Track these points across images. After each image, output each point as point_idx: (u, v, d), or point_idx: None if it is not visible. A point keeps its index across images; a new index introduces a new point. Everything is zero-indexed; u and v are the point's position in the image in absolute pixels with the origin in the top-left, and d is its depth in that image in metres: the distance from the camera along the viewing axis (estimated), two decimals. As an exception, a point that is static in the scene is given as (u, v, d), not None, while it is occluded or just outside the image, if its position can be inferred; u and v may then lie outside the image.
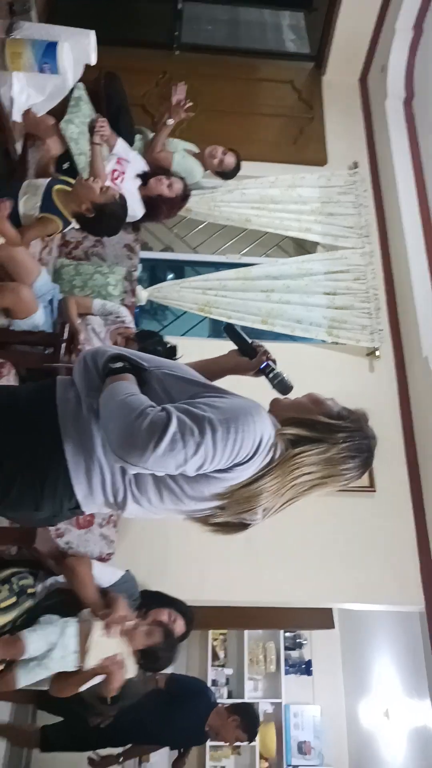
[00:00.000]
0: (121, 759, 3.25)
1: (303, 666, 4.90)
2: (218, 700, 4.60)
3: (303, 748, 4.75)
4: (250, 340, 1.55)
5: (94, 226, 2.70)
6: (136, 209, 3.34)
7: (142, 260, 3.68)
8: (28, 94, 2.72)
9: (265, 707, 4.78)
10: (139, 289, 3.49)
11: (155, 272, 4.48)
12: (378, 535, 3.21)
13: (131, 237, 3.52)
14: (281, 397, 1.42)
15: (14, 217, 2.59)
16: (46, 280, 2.82)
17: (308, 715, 4.80)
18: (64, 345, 2.62)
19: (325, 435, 1.26)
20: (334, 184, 4.03)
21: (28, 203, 2.62)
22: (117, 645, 2.27)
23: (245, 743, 3.44)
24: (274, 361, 1.51)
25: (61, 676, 2.29)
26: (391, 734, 4.01)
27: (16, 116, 2.69)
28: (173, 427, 1.11)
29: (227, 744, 3.46)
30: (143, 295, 3.56)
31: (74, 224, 2.67)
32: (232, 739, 3.17)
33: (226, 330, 1.58)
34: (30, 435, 1.29)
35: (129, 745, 3.24)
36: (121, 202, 2.68)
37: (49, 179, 2.72)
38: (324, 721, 4.78)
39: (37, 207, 2.60)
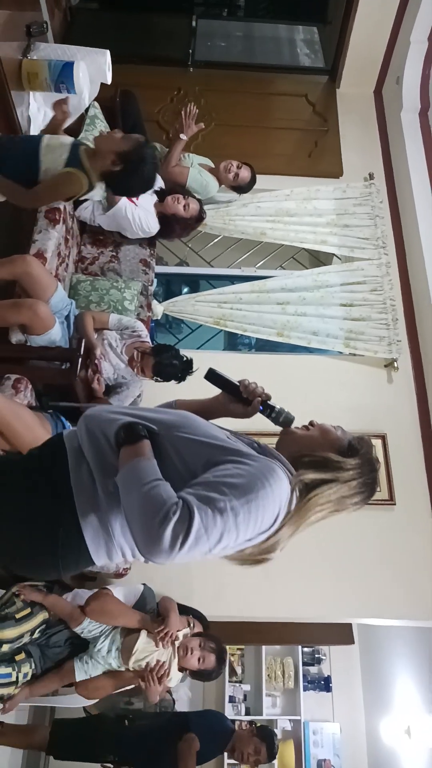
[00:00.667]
0: None
1: (322, 682, 4.83)
2: (235, 717, 4.57)
3: (323, 766, 4.67)
4: (236, 382, 1.46)
5: (125, 179, 2.40)
6: (151, 225, 3.36)
7: (158, 275, 3.70)
8: (45, 113, 2.76)
9: (283, 724, 4.71)
10: (154, 303, 3.50)
11: (170, 286, 4.51)
12: (397, 549, 3.16)
13: (146, 252, 3.55)
14: (291, 428, 1.41)
15: (28, 177, 2.37)
16: (63, 295, 2.85)
17: (328, 733, 4.73)
18: (80, 360, 2.64)
19: (337, 474, 1.28)
20: (350, 195, 4.03)
21: (50, 156, 2.38)
22: (162, 653, 2.36)
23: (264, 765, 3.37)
24: (268, 397, 1.46)
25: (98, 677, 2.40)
26: (413, 752, 3.93)
27: (34, 133, 2.73)
28: (196, 524, 1.10)
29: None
30: (159, 309, 3.57)
31: (98, 191, 2.44)
32: (253, 761, 3.16)
33: (208, 376, 1.49)
34: (51, 524, 1.29)
35: None
36: (147, 146, 2.44)
37: (73, 138, 2.50)
38: (344, 738, 4.70)
39: (63, 160, 2.37)
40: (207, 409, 1.51)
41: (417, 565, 3.16)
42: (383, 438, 3.43)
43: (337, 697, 4.86)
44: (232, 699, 4.66)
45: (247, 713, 4.65)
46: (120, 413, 1.33)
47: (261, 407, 1.45)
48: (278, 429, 1.44)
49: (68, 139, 2.48)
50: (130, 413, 1.34)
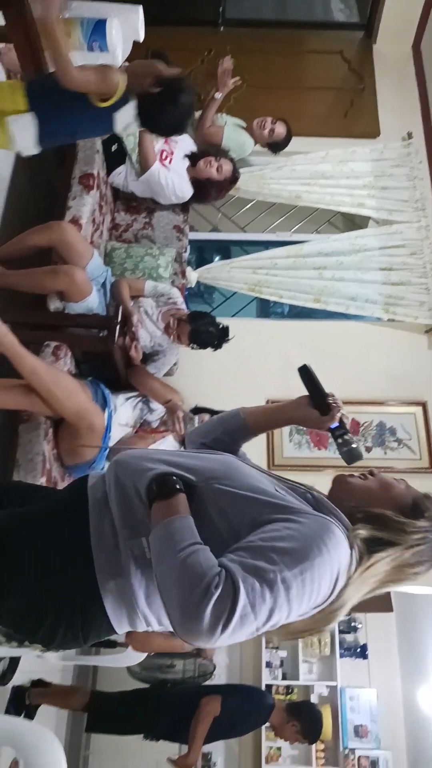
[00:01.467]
0: None
1: (358, 649, 4.85)
2: (272, 681, 4.63)
3: (359, 732, 4.71)
4: (326, 392, 1.35)
5: (159, 107, 2.15)
6: (185, 190, 3.31)
7: (191, 241, 3.65)
8: (78, 74, 2.69)
9: (320, 690, 4.76)
10: (188, 270, 3.46)
11: (202, 254, 4.45)
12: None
13: (180, 218, 3.49)
14: (346, 474, 1.24)
15: None
16: (99, 262, 2.83)
17: (364, 699, 4.75)
18: (118, 327, 2.63)
19: (398, 537, 1.11)
20: (387, 156, 3.90)
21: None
22: None
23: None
24: (347, 424, 1.33)
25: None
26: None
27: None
28: (242, 601, 0.93)
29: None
30: (193, 276, 3.53)
31: (129, 111, 2.16)
32: (292, 740, 3.17)
33: (301, 372, 1.38)
34: (67, 590, 1.14)
35: None
36: (190, 85, 2.23)
37: None
38: (380, 705, 4.72)
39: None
40: (275, 415, 1.42)
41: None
42: (423, 405, 3.37)
43: (373, 665, 4.87)
44: (268, 664, 4.72)
45: (284, 678, 4.71)
46: (155, 460, 1.18)
47: (337, 423, 1.31)
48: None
49: None
50: (166, 460, 1.18)
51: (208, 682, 4.08)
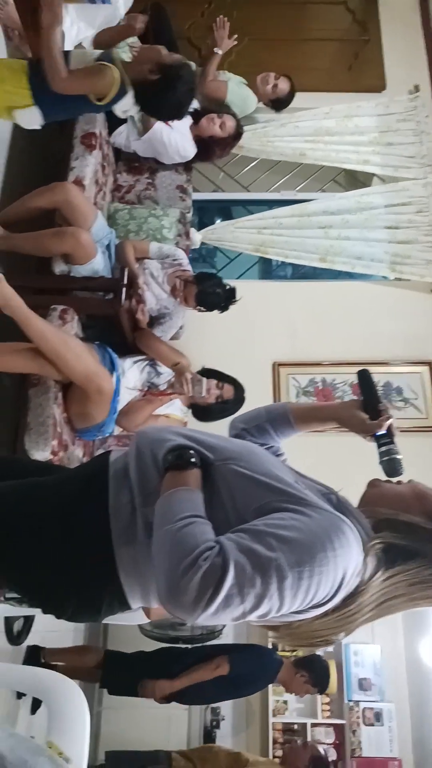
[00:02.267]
0: None
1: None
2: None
3: (363, 685, 4.83)
4: (381, 399, 1.34)
5: (158, 94, 2.16)
6: (188, 149, 3.23)
7: (194, 202, 3.58)
8: (79, 27, 2.61)
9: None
10: (192, 231, 3.41)
11: (203, 215, 4.38)
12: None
13: (183, 178, 3.43)
14: (381, 480, 1.20)
15: None
16: (103, 224, 2.78)
17: (368, 654, 4.86)
18: (124, 290, 2.60)
19: (424, 546, 1.04)
20: (393, 111, 3.81)
21: (83, 57, 2.18)
22: None
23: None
24: (394, 435, 1.29)
25: None
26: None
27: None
28: (229, 580, 0.89)
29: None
30: (197, 237, 3.48)
31: (128, 100, 2.18)
32: (302, 693, 3.25)
33: (360, 376, 1.37)
34: (82, 560, 1.12)
35: None
36: (189, 70, 2.24)
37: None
38: (384, 659, 4.84)
39: (93, 58, 2.17)
40: (321, 411, 1.40)
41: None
42: (430, 365, 3.38)
43: (377, 621, 4.97)
44: (275, 622, 4.82)
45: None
46: (176, 434, 1.16)
47: (384, 431, 1.27)
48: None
49: (98, 51, 2.27)
50: (187, 435, 1.16)
51: (216, 641, 4.19)
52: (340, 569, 0.95)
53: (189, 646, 3.30)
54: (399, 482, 1.18)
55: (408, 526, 1.06)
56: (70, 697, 1.53)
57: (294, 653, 4.69)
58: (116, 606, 1.16)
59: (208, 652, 3.19)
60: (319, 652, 4.67)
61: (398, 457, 1.26)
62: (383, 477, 1.24)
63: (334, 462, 2.51)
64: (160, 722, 3.82)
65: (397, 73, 3.97)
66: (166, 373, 2.80)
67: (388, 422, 1.28)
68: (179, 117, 2.41)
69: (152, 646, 3.36)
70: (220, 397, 2.67)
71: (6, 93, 2.16)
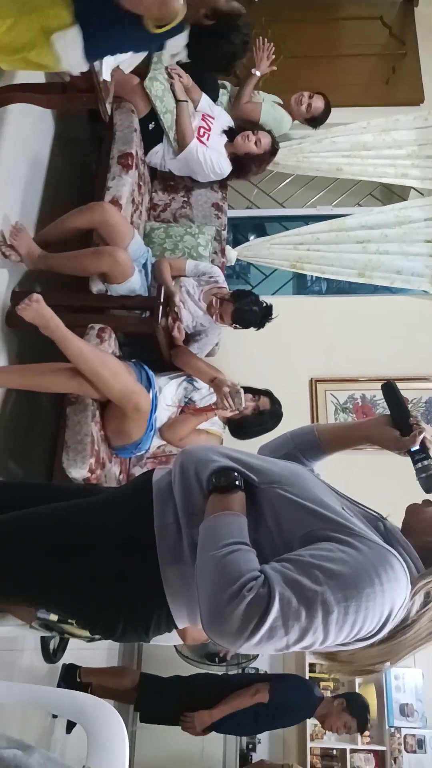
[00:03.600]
0: None
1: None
2: (316, 661, 4.63)
3: (405, 711, 4.68)
4: (410, 412, 1.28)
5: (210, 41, 1.98)
6: (223, 166, 3.25)
7: (230, 219, 3.59)
8: (116, 51, 2.65)
9: (365, 669, 4.74)
10: (228, 248, 3.41)
11: (237, 233, 4.38)
12: None
13: (218, 195, 3.44)
14: (421, 503, 1.15)
15: None
16: (140, 243, 2.80)
17: (410, 679, 4.71)
18: (161, 308, 2.60)
19: None
20: (432, 123, 3.76)
21: None
22: None
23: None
24: (430, 449, 1.24)
25: None
26: None
27: (106, 75, 2.64)
28: (274, 612, 0.88)
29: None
30: (233, 254, 3.48)
31: (181, 40, 1.96)
32: (341, 731, 3.17)
33: (384, 390, 1.33)
34: (130, 580, 1.11)
35: None
36: (248, 23, 2.07)
37: None
38: (426, 685, 4.69)
39: None
40: (351, 432, 1.37)
41: None
42: (473, 381, 3.28)
43: (418, 645, 4.83)
44: (312, 644, 4.72)
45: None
46: (221, 455, 1.15)
47: (418, 447, 1.22)
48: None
49: None
50: (232, 457, 1.15)
51: (253, 665, 4.12)
52: (387, 604, 0.93)
53: (224, 666, 3.24)
54: None
55: None
56: (110, 722, 1.51)
57: (335, 690, 4.60)
58: (164, 626, 1.16)
59: (248, 679, 3.13)
60: (358, 679, 4.57)
61: None
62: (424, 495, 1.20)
63: (381, 480, 2.44)
64: (195, 744, 3.76)
65: (436, 86, 3.92)
66: (204, 389, 2.79)
67: (421, 436, 1.23)
68: (228, 71, 2.22)
69: (186, 668, 3.32)
70: (256, 408, 2.64)
71: (37, 9, 1.71)
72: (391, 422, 1.27)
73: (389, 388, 1.32)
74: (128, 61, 2.74)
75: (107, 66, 2.60)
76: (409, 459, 1.24)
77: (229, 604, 0.88)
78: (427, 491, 1.21)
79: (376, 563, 0.94)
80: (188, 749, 3.70)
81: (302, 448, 1.36)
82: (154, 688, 3.11)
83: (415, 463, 1.23)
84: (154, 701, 3.08)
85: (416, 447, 1.23)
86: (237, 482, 1.07)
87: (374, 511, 1.15)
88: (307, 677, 4.40)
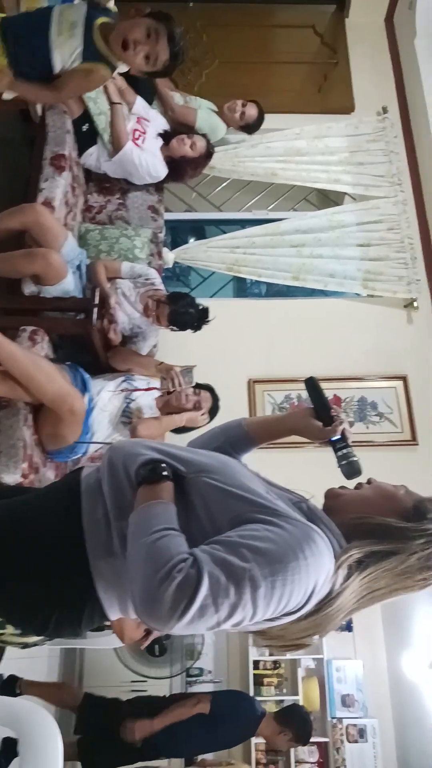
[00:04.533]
0: None
1: (343, 623, 4.93)
2: (259, 657, 4.70)
3: (346, 701, 4.80)
4: (330, 404, 1.34)
5: None
6: (159, 170, 3.26)
7: (166, 222, 3.61)
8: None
9: (307, 663, 4.83)
10: (165, 251, 3.43)
11: (176, 236, 4.41)
12: (421, 488, 3.15)
13: (154, 198, 3.45)
14: (337, 488, 1.21)
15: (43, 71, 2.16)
16: (74, 245, 2.78)
17: (350, 670, 4.83)
18: (95, 310, 2.59)
19: (399, 544, 1.06)
20: (363, 131, 3.89)
21: (66, 48, 2.17)
22: None
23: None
24: (349, 438, 1.30)
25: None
26: (436, 685, 4.04)
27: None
28: (203, 590, 0.91)
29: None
30: (170, 257, 3.50)
31: (121, 69, 2.24)
32: (286, 748, 3.21)
33: (307, 384, 1.38)
34: (59, 575, 1.12)
35: None
36: (182, 39, 2.18)
37: (86, 8, 2.20)
38: (366, 674, 4.82)
39: (79, 54, 2.17)
40: (277, 424, 1.41)
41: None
42: (404, 379, 3.41)
43: (358, 636, 4.95)
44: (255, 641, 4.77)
45: (271, 654, 4.77)
46: (149, 448, 1.17)
47: (338, 436, 1.28)
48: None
49: (80, 12, 2.17)
50: (160, 449, 1.17)
51: (197, 664, 4.14)
52: (312, 578, 0.98)
53: (166, 657, 3.22)
54: (359, 485, 1.19)
55: (381, 527, 1.08)
56: (43, 727, 1.50)
57: (275, 672, 4.67)
58: (96, 618, 1.17)
59: (188, 696, 3.14)
60: (301, 672, 4.67)
61: (356, 458, 1.28)
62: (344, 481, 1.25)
63: (306, 471, 2.49)
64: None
65: (366, 95, 4.05)
66: (141, 383, 2.78)
67: (341, 427, 1.29)
68: (165, 74, 2.28)
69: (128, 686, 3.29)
70: (198, 403, 2.67)
71: None
72: (314, 414, 1.33)
73: (311, 382, 1.38)
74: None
75: None
76: (331, 449, 1.30)
77: (160, 587, 0.91)
78: (348, 478, 1.27)
79: (300, 539, 0.98)
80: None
81: (231, 441, 1.40)
82: (95, 712, 3.07)
83: (336, 451, 1.29)
84: (94, 725, 3.04)
85: (337, 436, 1.29)
86: (165, 473, 1.09)
87: (297, 495, 1.20)
88: (251, 674, 4.47)
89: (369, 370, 3.43)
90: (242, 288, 4.34)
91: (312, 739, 4.44)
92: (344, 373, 3.40)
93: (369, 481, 1.19)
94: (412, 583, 1.08)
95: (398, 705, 4.74)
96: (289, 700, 4.49)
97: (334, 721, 4.59)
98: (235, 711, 3.09)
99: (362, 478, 1.21)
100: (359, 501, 1.15)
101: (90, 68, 2.17)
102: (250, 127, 3.55)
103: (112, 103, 3.07)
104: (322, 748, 4.47)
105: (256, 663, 4.70)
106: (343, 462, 1.28)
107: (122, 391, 2.70)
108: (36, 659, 3.25)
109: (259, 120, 3.53)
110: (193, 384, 2.67)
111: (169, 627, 0.92)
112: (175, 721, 2.87)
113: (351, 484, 1.21)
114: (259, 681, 4.55)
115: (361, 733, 4.75)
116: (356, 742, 4.66)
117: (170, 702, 3.02)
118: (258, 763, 4.28)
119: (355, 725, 4.77)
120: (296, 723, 3.17)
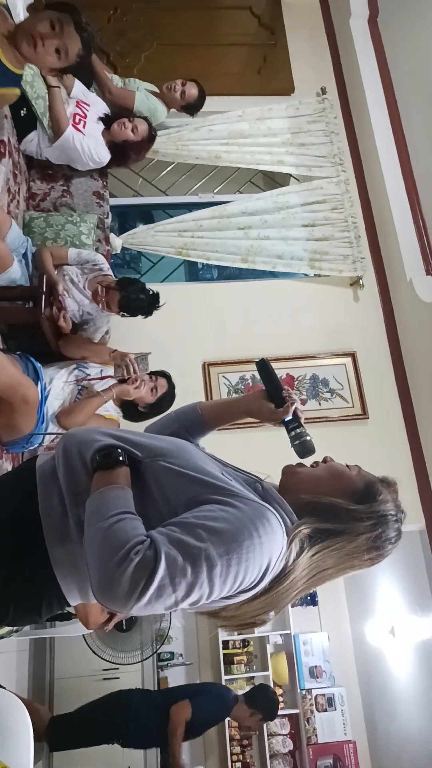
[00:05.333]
0: None
1: (308, 597, 5.05)
2: (228, 637, 4.77)
3: (314, 673, 4.93)
4: (282, 386, 1.36)
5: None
6: (101, 154, 3.22)
7: (112, 207, 3.57)
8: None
9: (275, 639, 4.93)
10: (112, 236, 3.40)
11: (125, 221, 4.37)
12: (374, 461, 3.23)
13: (99, 184, 3.41)
14: (295, 465, 1.23)
15: None
16: (18, 233, 2.73)
17: (317, 642, 4.96)
18: (44, 297, 2.56)
19: (347, 525, 1.09)
20: (303, 113, 3.92)
21: None
22: None
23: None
24: (301, 418, 1.33)
25: None
26: (397, 650, 4.19)
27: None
28: (161, 571, 0.92)
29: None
30: (117, 242, 3.47)
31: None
32: (257, 728, 3.37)
33: (258, 366, 1.40)
34: (16, 562, 1.12)
35: None
36: (89, 25, 2.10)
37: None
38: (332, 646, 4.96)
39: None
40: (231, 407, 1.43)
41: (393, 474, 3.27)
42: (353, 355, 3.49)
43: (323, 610, 5.09)
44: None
45: (240, 633, 4.85)
46: (103, 434, 1.17)
47: (290, 417, 1.31)
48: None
49: None
50: (115, 435, 1.17)
51: (169, 648, 4.18)
52: (266, 555, 1.00)
53: (136, 632, 3.27)
54: (315, 463, 1.22)
55: (331, 507, 1.10)
56: (10, 709, 1.50)
57: (245, 650, 4.75)
58: (55, 605, 1.18)
59: (164, 696, 3.24)
60: (270, 648, 4.77)
61: (308, 438, 1.30)
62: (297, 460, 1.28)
63: (263, 450, 2.54)
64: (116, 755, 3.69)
65: (305, 76, 4.09)
66: (94, 370, 2.77)
67: (293, 407, 1.32)
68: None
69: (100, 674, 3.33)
70: (154, 389, 2.68)
71: None
72: (267, 396, 1.36)
73: (263, 365, 1.40)
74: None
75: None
76: (284, 429, 1.33)
77: (117, 569, 0.92)
78: (301, 457, 1.30)
79: (254, 518, 1.01)
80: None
81: (187, 425, 1.42)
82: (64, 725, 3.14)
83: (289, 432, 1.31)
84: (66, 733, 3.14)
85: (289, 417, 1.31)
86: (120, 458, 1.10)
87: (253, 475, 1.22)
88: (221, 654, 4.54)
89: (319, 348, 3.50)
90: (194, 272, 4.35)
91: (283, 712, 4.57)
92: (296, 352, 3.46)
93: (325, 460, 1.21)
94: (359, 563, 1.11)
95: (363, 671, 4.90)
96: (259, 676, 4.59)
97: (304, 692, 4.71)
98: (214, 709, 3.24)
99: (318, 456, 1.24)
100: (311, 479, 1.17)
101: None
102: (192, 107, 3.51)
103: (49, 87, 3.02)
104: (293, 719, 4.60)
105: (225, 643, 4.78)
106: (296, 442, 1.31)
107: (76, 380, 2.69)
108: (4, 654, 3.22)
109: (200, 99, 3.50)
110: (148, 371, 2.67)
111: (128, 608, 0.93)
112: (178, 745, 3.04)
113: (308, 462, 1.24)
114: (229, 660, 4.64)
115: (330, 701, 4.89)
116: (325, 710, 4.80)
117: (145, 702, 3.17)
118: (232, 739, 4.37)
119: (323, 695, 4.91)
120: (264, 703, 3.31)
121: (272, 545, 1.01)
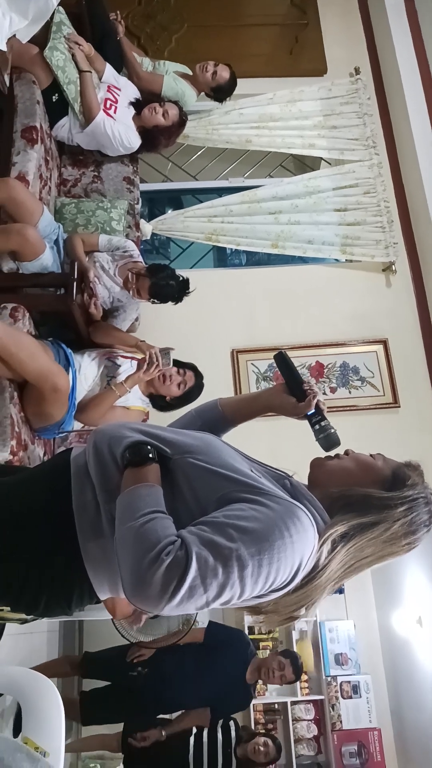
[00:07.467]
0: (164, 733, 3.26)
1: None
2: (254, 623, 4.79)
3: (340, 660, 4.93)
4: (302, 379, 1.34)
5: None
6: (132, 140, 3.20)
7: (142, 193, 3.56)
8: (11, 18, 2.54)
9: (300, 626, 4.94)
10: (142, 222, 3.39)
11: (154, 206, 4.36)
12: (405, 449, 3.21)
13: (129, 169, 3.40)
14: (323, 457, 1.22)
15: None
16: (50, 219, 2.74)
17: (343, 630, 4.96)
18: (75, 284, 2.57)
19: (381, 515, 1.08)
20: (336, 94, 3.84)
21: None
22: None
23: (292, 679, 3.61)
24: (324, 410, 1.31)
25: None
26: (425, 640, 4.16)
27: (2, 45, 2.53)
28: (192, 572, 0.92)
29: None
30: (147, 228, 3.46)
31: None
32: (277, 672, 3.37)
33: (276, 360, 1.38)
34: (49, 556, 1.13)
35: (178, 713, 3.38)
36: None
37: None
38: (358, 633, 4.95)
39: None
40: (252, 403, 1.42)
41: (424, 463, 3.23)
42: (384, 343, 3.44)
43: (349, 598, 5.07)
44: (250, 606, 4.87)
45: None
46: (133, 430, 1.17)
47: (313, 410, 1.30)
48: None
49: None
50: (144, 431, 1.17)
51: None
52: (298, 554, 0.99)
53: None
54: (337, 455, 1.21)
55: (364, 498, 1.09)
56: (44, 693, 1.53)
57: (270, 635, 4.78)
58: (86, 598, 1.18)
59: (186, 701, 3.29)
60: (295, 634, 4.78)
61: (332, 430, 1.29)
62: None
63: (290, 439, 2.52)
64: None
65: (338, 56, 4.00)
66: (125, 365, 2.78)
67: (315, 400, 1.31)
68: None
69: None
70: (182, 383, 2.68)
71: None
72: (287, 390, 1.34)
73: (281, 358, 1.38)
74: (24, 29, 2.64)
75: (2, 35, 2.51)
76: (307, 423, 1.31)
77: (149, 570, 0.91)
78: (326, 450, 1.28)
79: (285, 517, 1.00)
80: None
81: (209, 423, 1.41)
82: (95, 702, 3.22)
83: (312, 425, 1.30)
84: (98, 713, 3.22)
85: (312, 410, 1.30)
86: (150, 455, 1.10)
87: (281, 471, 1.21)
88: (245, 629, 4.59)
89: (350, 335, 3.45)
90: (222, 258, 4.32)
91: (308, 697, 4.59)
92: (326, 339, 3.42)
93: (346, 452, 1.21)
94: (397, 549, 1.11)
95: (389, 660, 4.88)
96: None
97: (329, 679, 4.72)
98: (228, 644, 3.28)
99: (340, 449, 1.23)
100: (340, 472, 1.17)
101: None
102: (222, 90, 3.45)
103: (80, 72, 3.00)
104: (318, 705, 4.61)
105: (251, 629, 4.80)
106: (321, 435, 1.29)
107: (106, 366, 2.70)
108: (35, 634, 3.29)
109: (231, 84, 3.44)
110: (170, 365, 2.65)
111: (160, 609, 0.93)
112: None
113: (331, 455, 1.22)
114: (255, 646, 4.66)
115: (355, 689, 4.90)
116: (350, 698, 4.81)
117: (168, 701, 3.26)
118: (257, 722, 4.41)
119: (348, 682, 4.91)
120: (287, 655, 3.36)
121: (304, 544, 1.00)
